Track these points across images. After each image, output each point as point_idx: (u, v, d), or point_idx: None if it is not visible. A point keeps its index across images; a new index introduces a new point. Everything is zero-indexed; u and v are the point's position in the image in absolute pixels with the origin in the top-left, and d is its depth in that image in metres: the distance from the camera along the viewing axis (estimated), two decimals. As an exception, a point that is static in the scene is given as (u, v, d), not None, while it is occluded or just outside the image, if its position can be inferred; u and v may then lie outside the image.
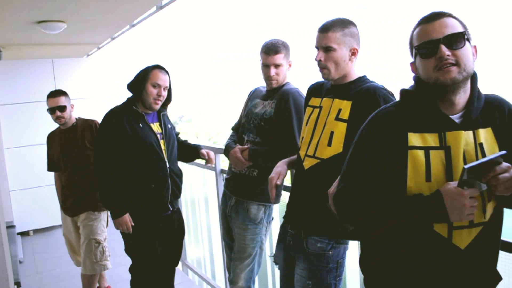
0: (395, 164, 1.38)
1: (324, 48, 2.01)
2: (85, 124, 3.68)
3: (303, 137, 2.17)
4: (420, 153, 1.37)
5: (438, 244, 1.36)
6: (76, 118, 3.72)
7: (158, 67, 2.85)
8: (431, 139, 1.39)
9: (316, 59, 2.06)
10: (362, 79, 2.09)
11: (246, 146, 2.72)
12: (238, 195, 2.83)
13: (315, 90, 2.25)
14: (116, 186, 2.84)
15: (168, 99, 2.98)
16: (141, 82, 2.82)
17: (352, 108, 1.96)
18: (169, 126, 3.04)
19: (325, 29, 2.01)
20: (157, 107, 2.86)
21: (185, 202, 4.68)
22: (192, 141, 3.32)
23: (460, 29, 1.38)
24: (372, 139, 1.44)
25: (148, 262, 2.96)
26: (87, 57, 6.71)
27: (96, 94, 6.49)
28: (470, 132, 1.39)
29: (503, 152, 1.27)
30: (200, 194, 4.57)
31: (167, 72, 2.88)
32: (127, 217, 2.83)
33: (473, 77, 1.45)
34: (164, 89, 2.83)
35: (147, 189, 2.86)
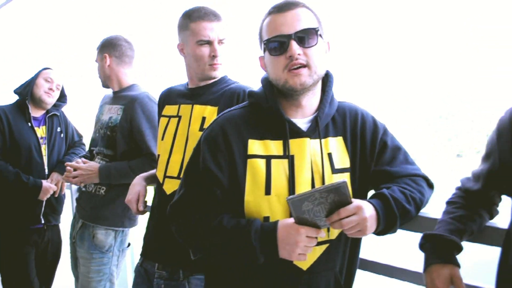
0: (234, 174, 1.25)
1: (220, 40, 1.79)
2: None
3: (159, 155, 1.77)
4: (261, 163, 1.25)
5: (278, 264, 1.21)
6: None
7: (50, 68, 2.79)
8: (274, 147, 1.27)
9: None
10: (224, 80, 1.78)
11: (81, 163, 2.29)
12: (84, 218, 2.36)
13: (168, 96, 1.88)
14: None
15: (63, 100, 2.89)
16: (30, 81, 2.73)
17: None
18: (58, 129, 2.83)
19: None
20: (49, 100, 2.73)
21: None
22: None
23: (314, 23, 1.26)
24: (213, 144, 1.28)
25: (18, 277, 2.70)
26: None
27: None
28: (317, 140, 1.28)
29: (342, 180, 1.10)
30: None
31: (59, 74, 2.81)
32: (44, 182, 2.68)
33: (328, 80, 1.34)
34: (57, 86, 2.75)
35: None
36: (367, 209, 1.15)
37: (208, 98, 1.71)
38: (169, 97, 1.85)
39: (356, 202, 1.14)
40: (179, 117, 1.74)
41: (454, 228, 1.18)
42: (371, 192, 1.34)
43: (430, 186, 1.36)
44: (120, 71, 2.36)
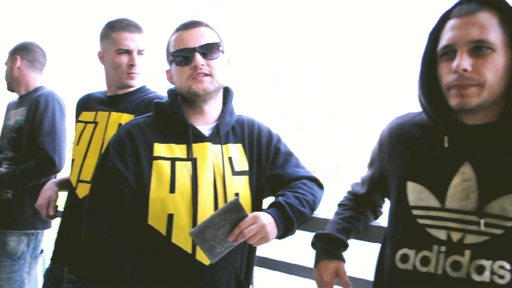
0: (141, 174, 1.35)
1: (140, 51, 1.84)
2: None
3: (73, 160, 1.79)
4: (166, 164, 1.36)
5: (181, 260, 1.33)
6: None
7: None
8: (179, 150, 1.38)
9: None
10: (142, 89, 1.84)
11: None
12: None
13: (86, 102, 1.91)
14: None
15: None
16: None
17: None
18: None
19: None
20: None
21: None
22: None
23: (216, 39, 1.42)
24: (120, 147, 1.37)
25: None
26: None
27: None
28: (219, 146, 1.42)
29: (234, 198, 1.25)
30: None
31: None
32: None
33: (228, 94, 1.51)
34: None
35: None
36: (264, 217, 1.28)
37: (125, 106, 1.76)
38: (87, 103, 1.88)
39: (252, 213, 1.28)
40: (96, 123, 1.77)
41: (342, 227, 1.32)
42: (269, 200, 1.46)
43: (320, 186, 1.52)
44: (29, 75, 2.36)
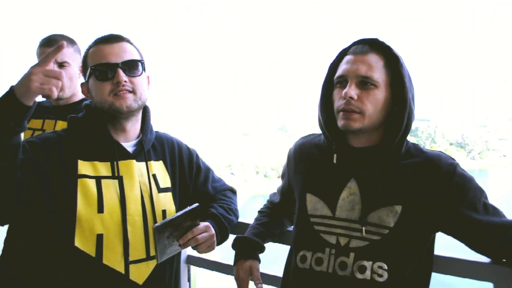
0: (66, 193, 1.29)
1: (59, 63, 1.92)
2: None
3: None
4: (91, 182, 1.31)
5: (114, 281, 1.31)
6: None
7: None
8: (103, 168, 1.35)
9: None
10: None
11: None
12: None
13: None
14: None
15: None
16: None
17: None
18: None
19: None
20: None
21: None
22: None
23: (138, 56, 1.41)
24: (39, 163, 1.28)
25: None
26: None
27: None
28: (143, 163, 1.42)
29: (196, 204, 1.33)
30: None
31: None
32: None
33: (146, 111, 1.50)
34: None
35: None
36: (212, 228, 1.46)
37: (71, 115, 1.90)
38: (35, 110, 1.99)
39: (204, 223, 1.44)
40: (43, 131, 1.91)
41: (258, 231, 1.52)
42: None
43: (235, 193, 1.72)
44: None
